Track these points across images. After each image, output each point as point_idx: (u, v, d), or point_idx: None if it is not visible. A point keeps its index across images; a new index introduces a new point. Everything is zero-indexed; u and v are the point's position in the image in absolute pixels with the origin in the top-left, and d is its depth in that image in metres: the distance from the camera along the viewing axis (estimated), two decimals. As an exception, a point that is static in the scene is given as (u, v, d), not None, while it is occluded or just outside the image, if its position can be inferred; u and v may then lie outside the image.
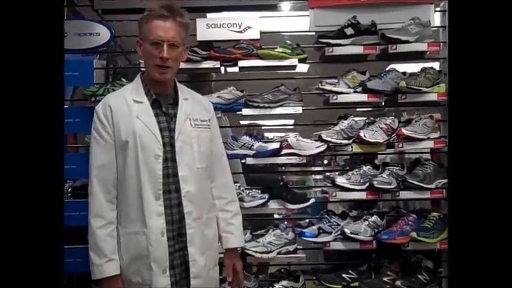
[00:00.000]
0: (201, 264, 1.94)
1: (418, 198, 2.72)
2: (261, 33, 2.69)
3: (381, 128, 2.63)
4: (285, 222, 2.71)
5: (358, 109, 3.08)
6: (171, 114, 1.99)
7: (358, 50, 2.65)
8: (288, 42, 2.69)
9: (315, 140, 2.66)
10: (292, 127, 3.23)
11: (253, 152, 2.61)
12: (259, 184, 2.72)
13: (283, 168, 3.43)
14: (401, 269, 2.56)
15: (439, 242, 2.49)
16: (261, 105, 2.62)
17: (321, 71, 3.03)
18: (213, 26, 2.68)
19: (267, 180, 2.89)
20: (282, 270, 2.67)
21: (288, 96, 2.67)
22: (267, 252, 2.51)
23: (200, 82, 2.89)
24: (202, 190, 2.01)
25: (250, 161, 2.63)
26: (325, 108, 2.84)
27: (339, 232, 2.56)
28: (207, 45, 2.65)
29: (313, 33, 2.75)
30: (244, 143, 2.63)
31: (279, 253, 2.54)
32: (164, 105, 1.99)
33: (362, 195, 2.60)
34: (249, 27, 2.68)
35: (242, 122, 3.51)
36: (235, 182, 2.35)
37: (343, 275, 2.55)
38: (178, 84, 2.08)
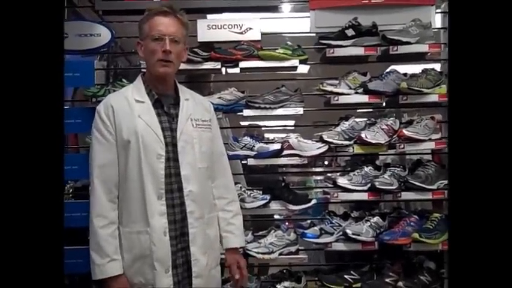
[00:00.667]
0: (203, 264, 1.94)
1: (420, 199, 2.71)
2: (262, 34, 2.70)
3: (382, 129, 2.63)
4: (287, 223, 2.71)
5: (359, 110, 3.08)
6: (173, 114, 1.99)
7: (359, 51, 2.65)
8: (288, 43, 2.69)
9: (316, 141, 2.65)
10: (293, 128, 3.23)
11: (255, 153, 2.61)
12: (261, 185, 2.72)
13: (284, 169, 3.43)
14: (404, 270, 2.56)
15: (441, 243, 2.49)
16: (262, 106, 2.62)
17: (321, 72, 3.03)
18: (213, 27, 2.68)
19: (268, 181, 2.88)
20: (284, 271, 2.67)
21: (289, 97, 2.66)
22: (269, 253, 2.50)
23: (201, 83, 2.89)
24: (204, 190, 2.01)
25: (251, 162, 2.62)
26: (326, 109, 2.84)
27: (341, 233, 2.56)
28: (208, 46, 2.65)
29: (314, 34, 2.76)
30: (246, 144, 2.63)
31: (280, 254, 2.54)
32: (166, 105, 1.99)
33: (363, 196, 2.59)
34: (250, 28, 2.68)
35: (243, 123, 3.51)
36: (236, 183, 2.35)
37: (345, 276, 2.55)
38: (178, 85, 2.08)
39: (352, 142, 2.62)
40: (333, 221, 2.62)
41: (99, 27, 2.67)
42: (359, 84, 2.66)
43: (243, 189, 2.59)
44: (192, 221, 1.93)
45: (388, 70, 2.76)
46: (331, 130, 2.67)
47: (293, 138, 2.64)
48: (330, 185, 2.76)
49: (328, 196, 2.73)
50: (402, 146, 2.64)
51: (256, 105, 2.62)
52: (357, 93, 2.65)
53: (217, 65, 2.63)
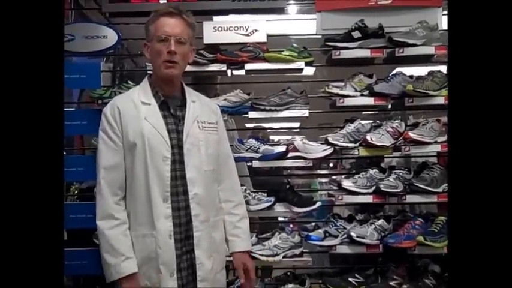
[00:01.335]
0: (207, 268, 1.92)
1: (425, 202, 2.70)
2: (268, 36, 2.70)
3: (388, 131, 2.62)
4: (291, 226, 2.70)
5: (364, 112, 3.08)
6: (179, 116, 1.98)
7: (365, 53, 2.64)
8: (294, 45, 2.69)
9: (321, 143, 2.65)
10: (298, 130, 3.23)
11: (260, 155, 2.61)
12: (265, 187, 2.71)
13: (289, 171, 3.43)
14: (408, 273, 2.55)
15: (446, 247, 2.48)
16: (268, 108, 2.62)
17: (327, 74, 3.03)
18: (219, 29, 2.69)
19: (272, 183, 2.88)
20: (288, 273, 2.67)
21: (295, 99, 2.66)
22: (273, 256, 2.50)
23: (206, 85, 2.89)
24: (210, 193, 2.00)
25: (256, 164, 2.62)
26: (331, 111, 2.84)
27: (345, 236, 2.55)
28: (214, 48, 2.66)
29: (320, 36, 2.76)
30: (251, 146, 2.63)
31: (284, 256, 2.53)
32: (172, 107, 1.98)
33: (368, 199, 2.59)
34: (256, 30, 2.69)
35: (248, 125, 3.51)
36: (241, 185, 2.34)
37: (350, 279, 2.54)
38: (185, 87, 2.07)
39: (357, 144, 2.62)
40: (338, 224, 2.61)
41: (105, 29, 2.68)
42: (365, 87, 2.66)
43: (247, 191, 2.59)
44: (197, 224, 1.91)
45: (394, 72, 2.75)
46: (336, 132, 2.67)
47: (298, 141, 2.63)
48: (335, 188, 2.75)
49: (333, 199, 2.72)
50: (408, 149, 2.63)
51: (262, 107, 2.63)
52: (362, 95, 2.65)
53: (223, 67, 2.64)
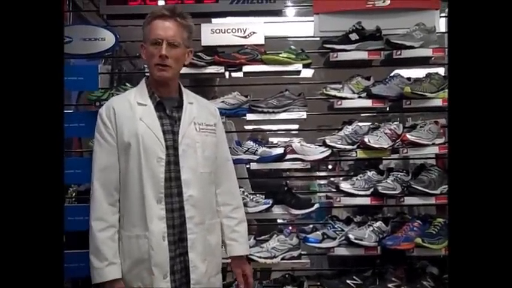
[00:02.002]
0: (201, 271, 1.90)
1: (423, 204, 2.70)
2: (266, 38, 2.70)
3: (386, 133, 2.63)
4: (289, 228, 2.70)
5: (362, 114, 3.08)
6: (175, 118, 1.97)
7: (362, 55, 2.65)
8: (292, 47, 2.69)
9: (319, 145, 2.65)
10: (296, 132, 3.24)
11: (257, 157, 2.61)
12: (263, 189, 2.72)
13: (288, 173, 3.43)
14: (406, 275, 2.55)
15: (444, 248, 2.47)
16: (265, 110, 2.63)
17: (325, 76, 3.03)
18: (217, 31, 2.69)
19: (271, 185, 2.88)
20: (286, 275, 2.66)
21: (293, 101, 2.66)
22: (271, 258, 2.50)
23: (205, 87, 2.89)
24: (206, 195, 1.98)
25: (254, 166, 2.62)
26: (329, 113, 2.85)
27: (343, 238, 2.56)
28: (212, 50, 2.66)
29: (318, 38, 2.76)
30: (249, 148, 2.63)
31: (283, 258, 2.54)
32: (168, 108, 1.98)
33: (366, 201, 2.59)
34: (254, 33, 2.69)
35: (246, 127, 3.51)
36: (240, 188, 2.33)
37: (348, 281, 2.54)
38: (183, 89, 2.07)
39: (355, 146, 2.62)
40: (336, 226, 2.61)
41: (103, 32, 2.68)
42: (362, 89, 2.66)
43: (245, 193, 2.59)
44: (192, 227, 1.90)
45: (391, 74, 2.75)
46: (334, 134, 2.67)
47: (296, 143, 2.64)
48: (333, 190, 2.75)
49: (331, 201, 2.72)
50: (406, 151, 2.64)
51: (260, 109, 2.63)
52: (360, 97, 2.65)
53: (221, 69, 2.64)
